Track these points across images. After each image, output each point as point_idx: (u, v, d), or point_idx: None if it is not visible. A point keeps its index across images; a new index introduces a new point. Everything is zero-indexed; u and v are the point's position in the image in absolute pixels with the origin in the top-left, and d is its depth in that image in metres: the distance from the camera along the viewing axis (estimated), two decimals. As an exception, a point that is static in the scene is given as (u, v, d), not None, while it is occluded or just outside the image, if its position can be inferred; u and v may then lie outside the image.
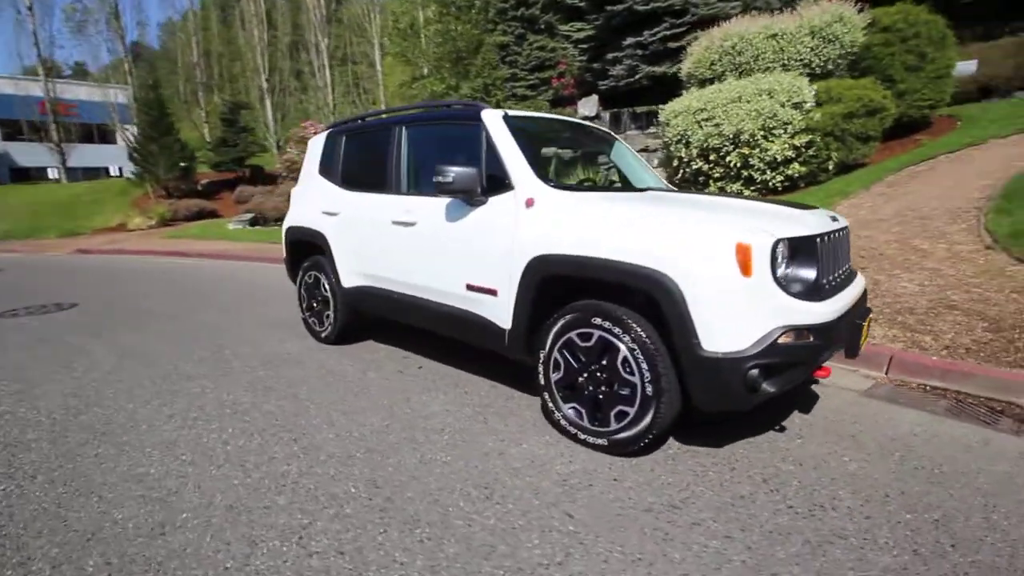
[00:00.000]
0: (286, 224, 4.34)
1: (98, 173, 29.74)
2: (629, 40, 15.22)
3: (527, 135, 2.93)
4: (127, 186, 22.29)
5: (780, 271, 2.11)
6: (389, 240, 3.36)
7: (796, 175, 8.03)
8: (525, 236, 2.59)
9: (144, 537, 1.93)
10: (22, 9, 29.51)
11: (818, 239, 2.26)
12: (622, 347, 2.30)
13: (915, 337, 3.55)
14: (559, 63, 17.91)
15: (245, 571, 1.75)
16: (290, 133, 17.80)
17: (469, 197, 2.80)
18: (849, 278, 2.63)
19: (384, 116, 3.77)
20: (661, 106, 9.30)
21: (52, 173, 29.35)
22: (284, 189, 14.83)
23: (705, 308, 2.06)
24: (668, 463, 2.38)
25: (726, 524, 1.98)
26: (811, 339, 2.11)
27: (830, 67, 8.92)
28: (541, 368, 2.63)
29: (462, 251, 2.92)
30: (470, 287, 2.90)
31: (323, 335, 4.14)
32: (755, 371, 2.07)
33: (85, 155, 29.72)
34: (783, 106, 7.89)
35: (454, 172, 2.71)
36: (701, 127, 8.35)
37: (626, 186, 3.61)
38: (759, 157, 8.10)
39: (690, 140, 8.40)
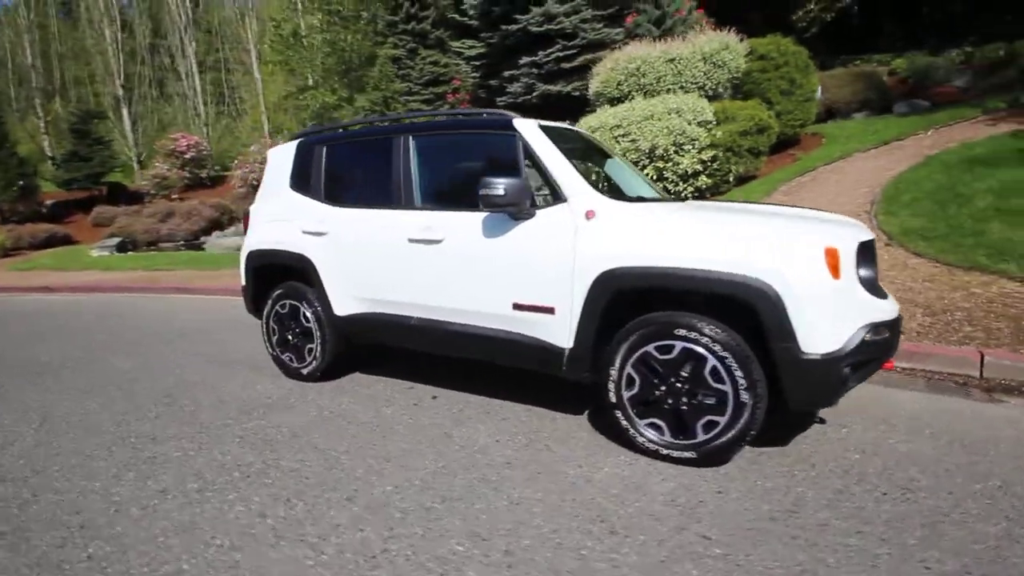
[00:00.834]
0: (248, 248, 3.75)
1: None
2: (525, 59, 15.68)
3: (561, 145, 2.84)
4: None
5: (859, 272, 2.25)
6: (404, 260, 3.04)
7: (703, 187, 8.81)
8: (590, 250, 2.49)
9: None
10: None
11: (873, 241, 2.45)
12: (710, 357, 2.29)
13: (876, 326, 4.01)
14: (453, 79, 17.96)
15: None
16: (157, 146, 15.69)
17: (517, 211, 2.63)
18: None
19: (376, 124, 3.43)
20: (571, 122, 9.69)
21: None
22: (156, 209, 13.00)
23: (803, 312, 2.12)
24: (753, 468, 2.41)
25: (847, 521, 2.03)
26: (886, 334, 2.28)
27: (720, 90, 9.95)
28: (612, 386, 2.53)
29: (506, 269, 2.73)
30: (518, 306, 2.72)
31: (305, 371, 3.62)
32: (847, 369, 2.18)
33: None
34: (690, 124, 8.63)
35: (504, 184, 2.53)
36: (619, 142, 8.84)
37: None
38: (672, 170, 8.77)
39: (611, 154, 8.83)
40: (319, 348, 3.52)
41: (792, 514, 2.08)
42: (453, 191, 3.08)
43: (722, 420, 2.32)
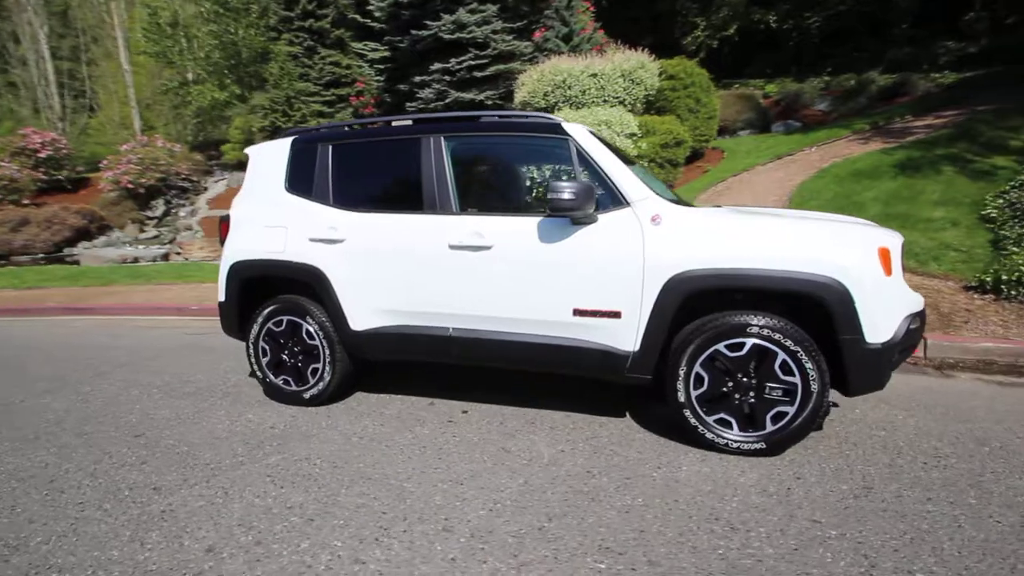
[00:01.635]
0: (232, 258, 3.26)
1: None
2: (437, 66, 15.51)
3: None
4: None
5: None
6: (444, 269, 2.84)
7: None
8: (661, 253, 2.53)
9: None
10: None
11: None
12: (780, 352, 2.44)
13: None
14: (356, 81, 17.29)
15: None
16: (1, 143, 13.10)
17: (583, 215, 2.59)
18: None
19: (395, 124, 3.18)
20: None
21: None
22: (5, 217, 10.88)
23: (867, 306, 2.34)
24: (808, 452, 2.59)
25: (913, 490, 2.26)
26: (919, 323, 2.58)
27: (638, 105, 10.63)
28: (680, 386, 2.58)
29: (566, 275, 2.67)
30: (579, 312, 2.67)
31: (307, 395, 3.24)
32: (896, 356, 2.44)
33: None
34: (619, 136, 9.11)
35: (572, 189, 2.49)
36: (553, 151, 9.08)
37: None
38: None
39: (549, 162, 9.03)
40: (327, 368, 3.17)
41: (869, 490, 2.27)
42: (500, 195, 2.95)
43: (791, 410, 2.47)
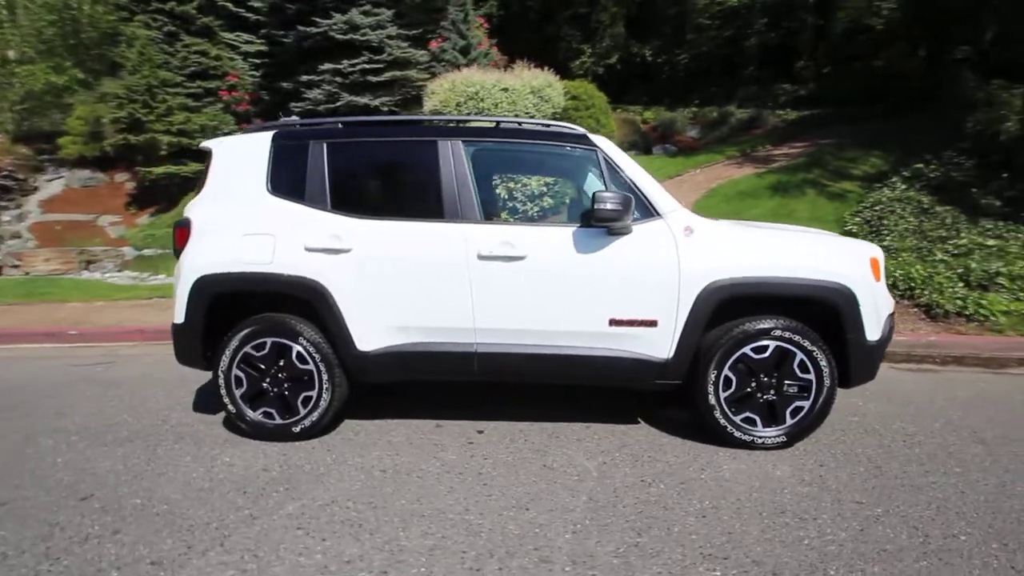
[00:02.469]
0: (198, 271, 2.72)
1: None
2: (327, 66, 14.64)
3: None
4: None
5: (882, 276, 2.91)
6: (471, 280, 2.66)
7: (547, 207, 9.63)
8: (695, 263, 2.63)
9: None
10: None
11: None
12: (798, 352, 2.67)
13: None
14: (228, 75, 15.75)
15: None
16: None
17: (623, 226, 2.61)
18: None
19: (403, 124, 2.92)
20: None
21: None
22: None
23: (867, 308, 2.66)
24: (811, 442, 2.86)
25: (917, 466, 2.61)
26: (893, 322, 2.99)
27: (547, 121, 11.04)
28: (711, 389, 2.70)
29: (604, 285, 2.66)
30: (616, 322, 2.68)
31: (298, 428, 2.81)
32: (883, 350, 2.81)
33: None
34: (534, 149, 9.37)
35: (616, 199, 2.51)
36: (471, 162, 9.06)
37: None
38: (521, 191, 9.35)
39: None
40: (324, 395, 2.80)
41: (879, 469, 2.57)
42: (528, 204, 2.83)
43: (807, 404, 2.71)
